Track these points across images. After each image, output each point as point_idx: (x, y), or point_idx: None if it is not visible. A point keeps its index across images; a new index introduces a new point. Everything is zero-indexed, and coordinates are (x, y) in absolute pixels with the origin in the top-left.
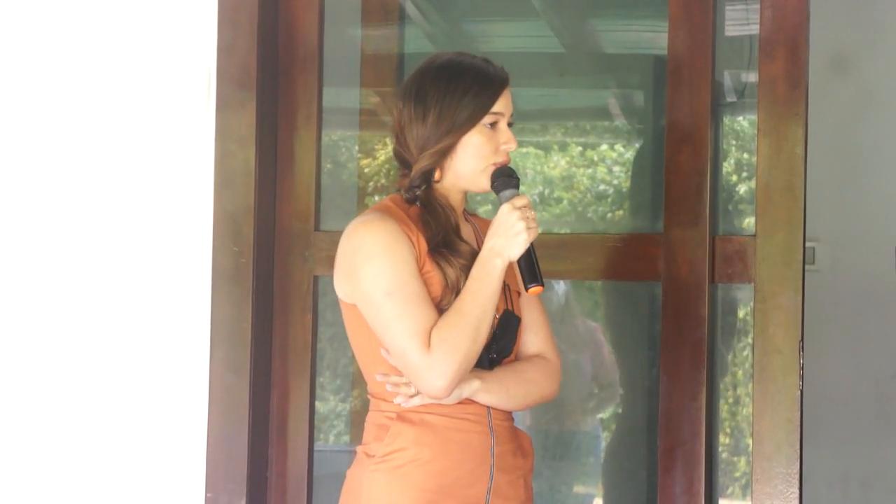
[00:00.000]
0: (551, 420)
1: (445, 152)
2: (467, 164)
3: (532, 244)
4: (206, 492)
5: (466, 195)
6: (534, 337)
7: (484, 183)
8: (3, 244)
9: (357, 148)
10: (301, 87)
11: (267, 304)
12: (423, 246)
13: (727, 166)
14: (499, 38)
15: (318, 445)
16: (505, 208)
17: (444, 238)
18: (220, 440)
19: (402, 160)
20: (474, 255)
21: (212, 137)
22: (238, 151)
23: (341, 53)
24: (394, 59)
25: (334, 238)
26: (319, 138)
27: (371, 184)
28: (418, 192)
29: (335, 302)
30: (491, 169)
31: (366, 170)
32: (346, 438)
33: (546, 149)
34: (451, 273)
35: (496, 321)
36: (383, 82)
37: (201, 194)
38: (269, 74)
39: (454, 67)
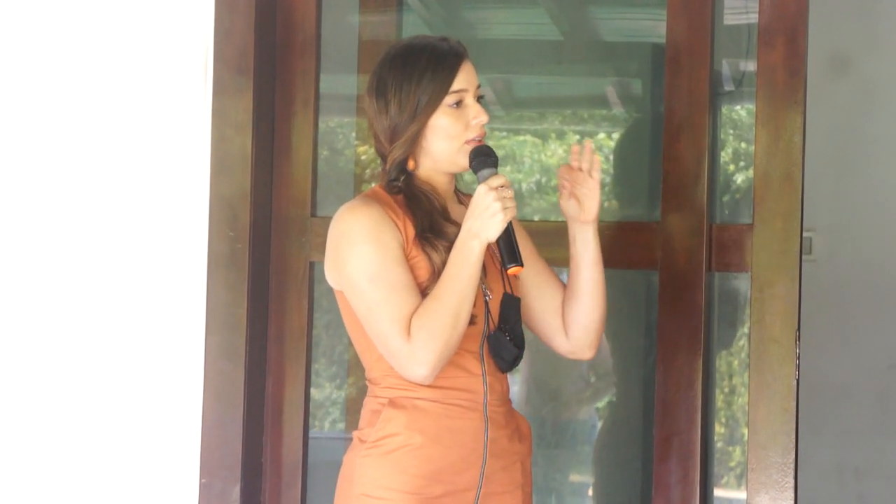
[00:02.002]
0: (547, 409)
1: (414, 139)
2: (440, 147)
3: (511, 223)
4: (201, 477)
5: (456, 175)
6: (558, 293)
7: (463, 161)
8: None
9: (354, 135)
10: (298, 72)
11: (263, 290)
12: (410, 231)
13: (725, 155)
14: (497, 26)
15: (313, 432)
16: (481, 189)
17: (430, 223)
18: (215, 426)
19: (382, 155)
20: None
21: (208, 122)
22: (235, 137)
23: (339, 39)
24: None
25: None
26: (316, 124)
27: (368, 171)
28: (398, 184)
29: (331, 289)
30: (466, 147)
31: (363, 157)
32: (342, 426)
33: (543, 137)
34: (437, 258)
35: (498, 305)
36: None
37: (198, 179)
38: (267, 60)
39: (407, 52)
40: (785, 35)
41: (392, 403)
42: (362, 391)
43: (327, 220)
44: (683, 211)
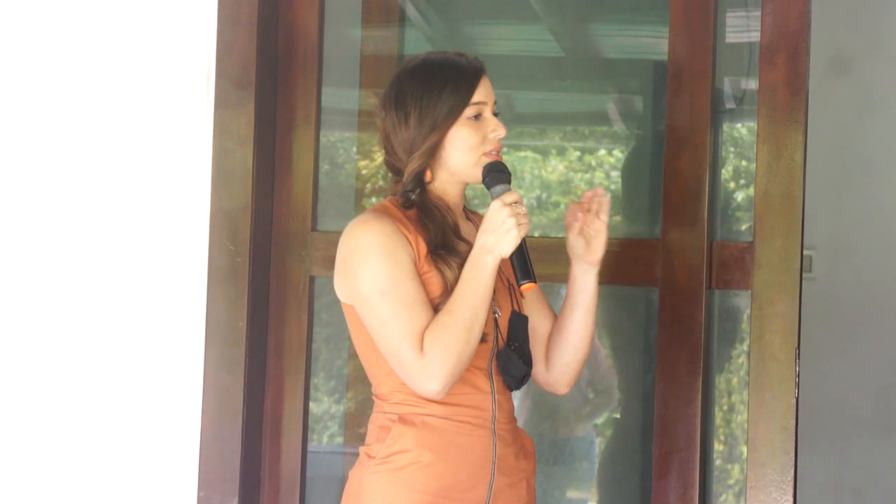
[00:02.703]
0: (546, 425)
1: (433, 151)
2: (458, 159)
3: (524, 240)
4: (199, 491)
5: (465, 193)
6: (547, 321)
7: (479, 174)
8: None
9: (355, 149)
10: (300, 86)
11: (262, 304)
12: (422, 247)
13: (725, 173)
14: (498, 42)
15: (311, 446)
16: (495, 205)
17: (443, 239)
18: (214, 439)
19: (394, 169)
20: None
21: (210, 136)
22: (236, 150)
23: (341, 54)
24: (393, 60)
25: (331, 238)
26: (318, 138)
27: (369, 185)
28: (413, 196)
29: (331, 303)
30: (483, 160)
31: (364, 171)
32: (340, 440)
33: (544, 153)
34: (450, 274)
35: (507, 323)
36: (383, 84)
37: (198, 192)
38: (269, 74)
39: (427, 66)
40: (786, 53)
41: (402, 420)
42: (361, 406)
43: (328, 235)
44: (684, 228)
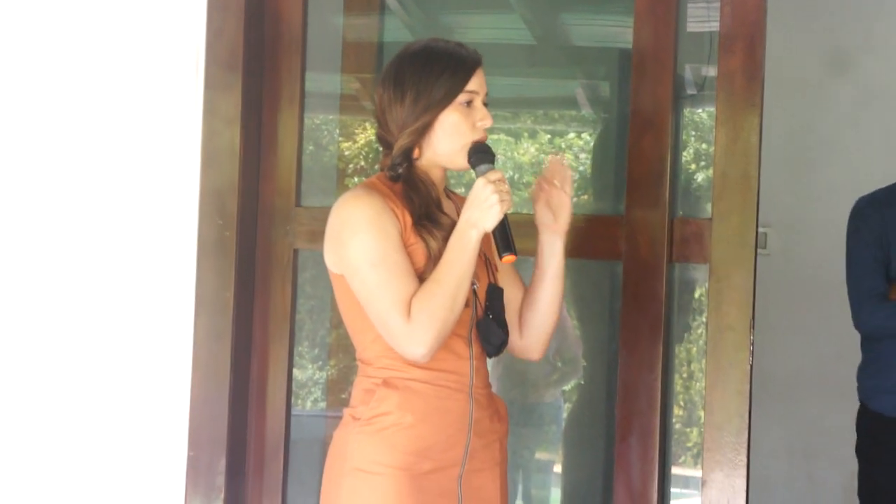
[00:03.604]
0: (516, 391)
1: (424, 130)
2: (446, 142)
3: (506, 215)
4: (189, 450)
5: (447, 174)
6: (519, 292)
7: (461, 161)
8: None
9: (338, 131)
10: (285, 70)
11: (249, 276)
12: (408, 220)
13: (686, 155)
14: (473, 30)
15: (295, 410)
16: (479, 182)
17: (427, 211)
18: (203, 403)
19: (385, 142)
20: (455, 227)
21: (199, 117)
22: (224, 131)
23: (324, 40)
24: (373, 47)
25: (314, 214)
26: (302, 120)
27: (351, 166)
28: (400, 171)
29: (315, 276)
30: (469, 147)
31: (346, 152)
32: (323, 405)
33: (516, 136)
34: (434, 244)
35: (484, 293)
36: (363, 69)
37: (188, 171)
38: (255, 58)
39: (429, 51)
40: (744, 42)
41: (385, 383)
42: (343, 372)
43: (311, 210)
44: (647, 206)
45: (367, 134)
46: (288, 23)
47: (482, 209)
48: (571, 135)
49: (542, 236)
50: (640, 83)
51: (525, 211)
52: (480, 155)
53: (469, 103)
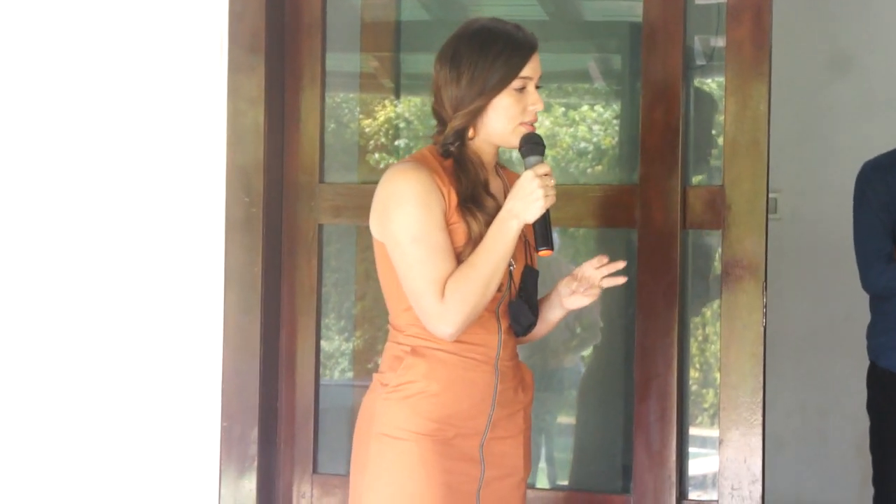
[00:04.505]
0: (537, 357)
1: (477, 113)
2: (498, 124)
3: (548, 210)
4: (222, 421)
5: (499, 151)
6: None
7: (514, 140)
8: (22, 213)
9: (358, 109)
10: (306, 51)
11: (276, 251)
12: (453, 198)
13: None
14: (488, 7)
15: (323, 380)
16: (527, 174)
17: (473, 193)
18: (234, 375)
19: (439, 117)
20: (499, 210)
21: (224, 98)
22: (248, 111)
23: (343, 21)
24: (391, 25)
25: (337, 189)
26: (323, 99)
27: (371, 142)
28: (452, 149)
29: (339, 250)
30: (520, 129)
31: (366, 129)
32: (350, 374)
33: None
34: (476, 227)
35: (520, 275)
36: (381, 47)
37: (215, 150)
38: (277, 40)
39: (487, 33)
40: (751, 12)
41: (414, 352)
42: (368, 343)
43: (334, 186)
44: (660, 174)
45: (386, 111)
46: (308, 4)
47: (526, 202)
48: (585, 107)
49: (556, 296)
50: (650, 55)
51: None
52: (532, 146)
53: (522, 88)
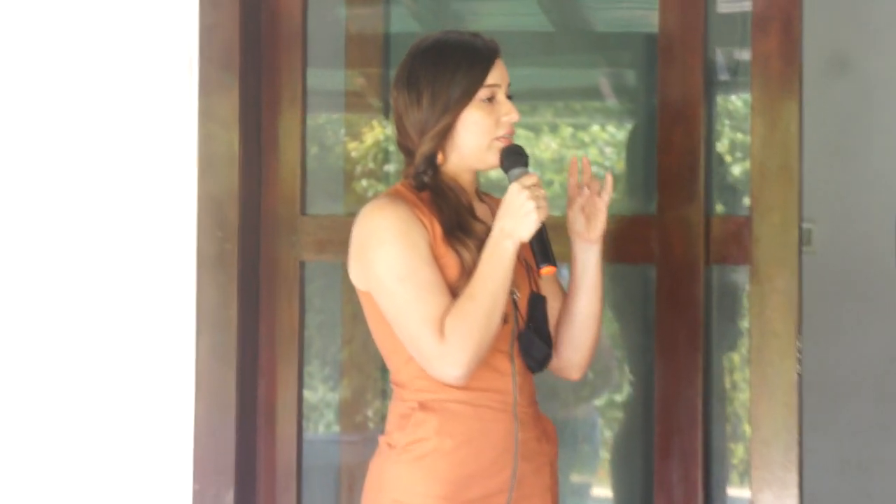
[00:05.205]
0: (546, 406)
1: (445, 133)
2: (470, 142)
3: (543, 224)
4: (194, 483)
5: (478, 175)
6: (558, 303)
7: (491, 159)
8: None
9: (343, 131)
10: (285, 68)
11: (253, 291)
12: (438, 230)
13: (721, 146)
14: (486, 17)
15: (307, 435)
16: (514, 188)
17: (458, 220)
18: (207, 430)
19: (406, 150)
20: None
21: (194, 120)
22: (221, 134)
23: (326, 33)
24: (379, 38)
25: (321, 222)
26: (304, 120)
27: (359, 167)
28: (425, 179)
29: (323, 288)
30: (496, 144)
31: (353, 153)
32: (336, 428)
33: (536, 130)
34: (467, 256)
35: (526, 304)
36: (369, 63)
37: (184, 179)
38: (253, 56)
39: (441, 46)
40: (779, 22)
41: (422, 407)
42: (357, 393)
43: (317, 218)
44: (680, 203)
45: (374, 133)
46: (287, 16)
47: (517, 217)
48: (595, 128)
49: (575, 247)
50: (667, 70)
51: (556, 213)
52: (513, 157)
53: (491, 98)
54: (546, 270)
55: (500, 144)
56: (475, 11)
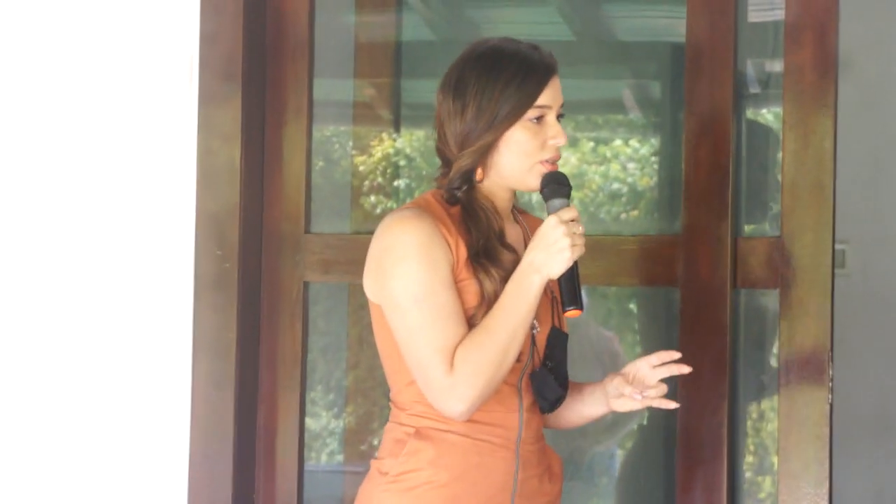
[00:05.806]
0: (563, 440)
1: (486, 150)
2: (511, 163)
3: (576, 263)
4: None
5: (516, 194)
6: None
7: (532, 182)
8: None
9: (351, 144)
10: (290, 78)
11: (253, 313)
12: (462, 252)
13: (751, 162)
14: (504, 25)
15: (308, 465)
16: (551, 220)
17: (486, 245)
18: (203, 460)
19: (443, 157)
20: (518, 264)
21: (194, 133)
22: (222, 148)
23: (333, 42)
24: (390, 47)
25: (326, 241)
26: (310, 133)
27: (367, 183)
28: (459, 194)
29: (327, 310)
30: (539, 168)
31: (361, 167)
32: (340, 458)
33: None
34: (489, 286)
35: (545, 339)
36: (379, 73)
37: (183, 194)
38: (256, 65)
39: (496, 55)
40: (814, 31)
41: (419, 434)
42: (362, 420)
43: (323, 237)
44: (707, 222)
45: (384, 146)
46: (292, 24)
47: (550, 253)
48: (618, 142)
49: (597, 391)
50: (695, 82)
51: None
52: (555, 187)
53: (540, 118)
54: (571, 313)
55: (543, 169)
56: (492, 19)
